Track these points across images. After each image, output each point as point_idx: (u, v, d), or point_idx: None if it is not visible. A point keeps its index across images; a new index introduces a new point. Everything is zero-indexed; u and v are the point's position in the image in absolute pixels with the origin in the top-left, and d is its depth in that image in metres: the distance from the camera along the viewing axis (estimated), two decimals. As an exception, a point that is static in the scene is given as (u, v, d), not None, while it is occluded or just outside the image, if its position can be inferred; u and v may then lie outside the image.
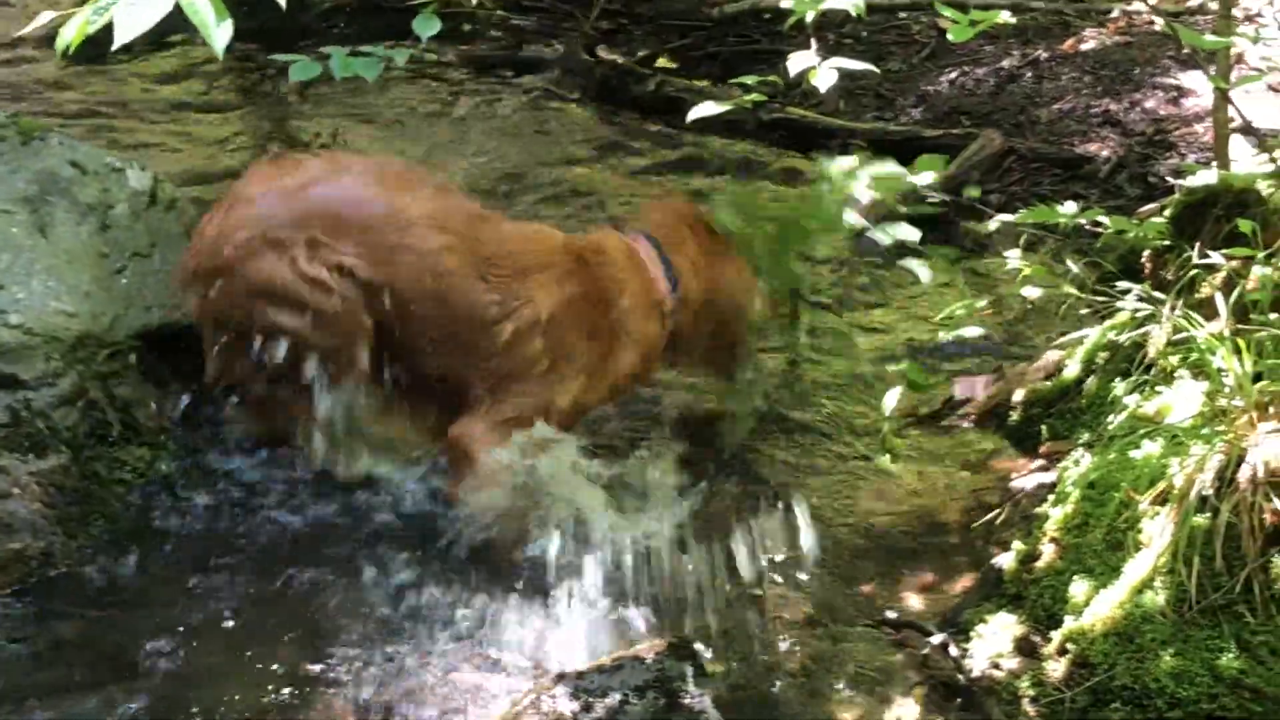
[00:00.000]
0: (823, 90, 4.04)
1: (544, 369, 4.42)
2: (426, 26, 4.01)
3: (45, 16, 2.95)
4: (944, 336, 4.64)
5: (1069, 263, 4.98)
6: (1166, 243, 4.80)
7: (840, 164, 4.77)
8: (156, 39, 2.56)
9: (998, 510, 4.44)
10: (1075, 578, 3.84)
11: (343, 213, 4.36)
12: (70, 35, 2.76)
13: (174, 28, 2.80)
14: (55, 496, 4.18)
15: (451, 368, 4.41)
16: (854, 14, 4.07)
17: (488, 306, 4.39)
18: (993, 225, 5.06)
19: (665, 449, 4.71)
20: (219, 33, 2.73)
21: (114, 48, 2.69)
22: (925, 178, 4.58)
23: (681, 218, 4.85)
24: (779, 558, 4.31)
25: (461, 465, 4.35)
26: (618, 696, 3.60)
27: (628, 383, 4.71)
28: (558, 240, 4.64)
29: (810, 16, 4.05)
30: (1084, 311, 4.85)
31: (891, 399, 4.40)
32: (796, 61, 4.04)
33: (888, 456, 4.58)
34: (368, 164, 4.66)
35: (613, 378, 4.60)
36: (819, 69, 4.03)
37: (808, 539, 4.31)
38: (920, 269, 4.78)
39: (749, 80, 4.83)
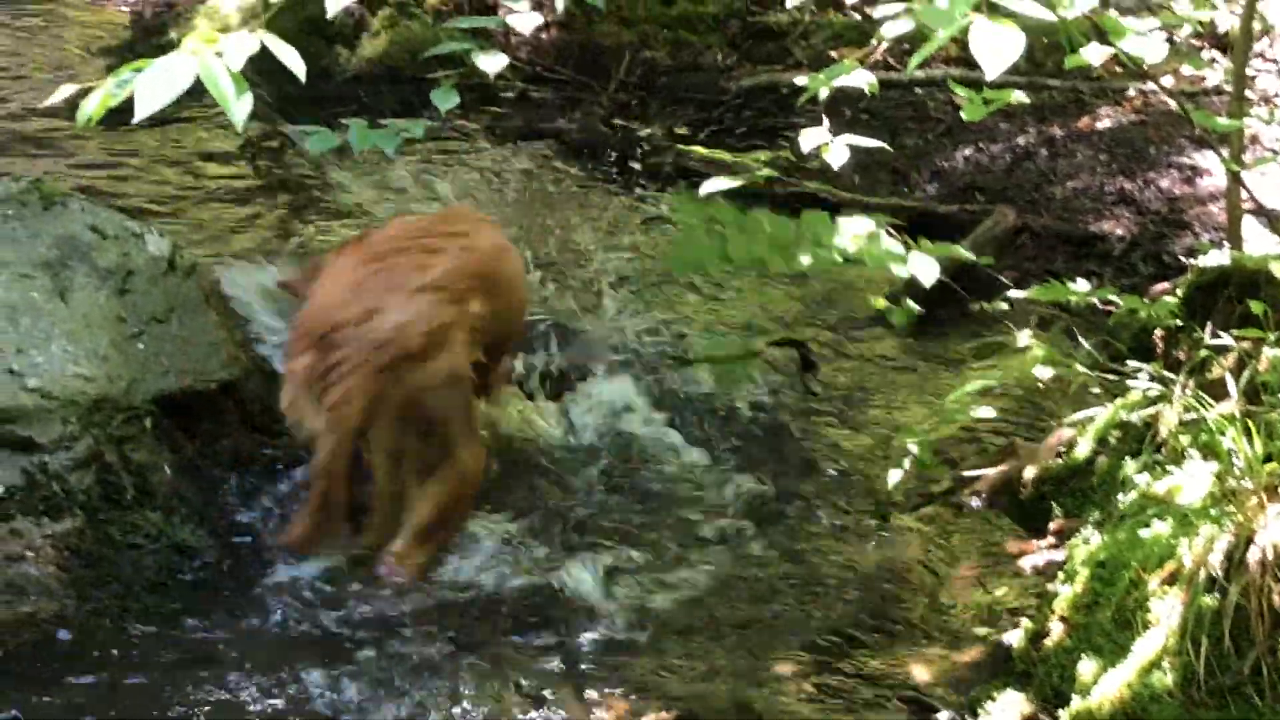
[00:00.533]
0: (835, 166, 4.06)
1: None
2: (446, 99, 4.03)
3: (67, 89, 2.98)
4: (955, 419, 4.63)
5: (1082, 341, 5.00)
6: (1178, 322, 4.81)
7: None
8: (178, 103, 2.59)
9: (1007, 587, 4.43)
10: (1084, 656, 3.82)
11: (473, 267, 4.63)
12: (92, 109, 2.79)
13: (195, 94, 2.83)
14: (69, 559, 4.19)
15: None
16: (868, 92, 4.09)
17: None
18: (1003, 304, 5.07)
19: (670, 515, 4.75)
20: (239, 106, 2.77)
21: (135, 120, 2.72)
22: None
23: None
24: (784, 627, 4.32)
25: None
26: (624, 769, 3.60)
27: None
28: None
29: (823, 93, 4.07)
30: (1095, 390, 4.85)
31: (895, 475, 4.40)
32: (809, 138, 4.07)
33: (886, 528, 4.62)
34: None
35: None
36: (831, 145, 4.05)
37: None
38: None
39: (762, 156, 4.88)
